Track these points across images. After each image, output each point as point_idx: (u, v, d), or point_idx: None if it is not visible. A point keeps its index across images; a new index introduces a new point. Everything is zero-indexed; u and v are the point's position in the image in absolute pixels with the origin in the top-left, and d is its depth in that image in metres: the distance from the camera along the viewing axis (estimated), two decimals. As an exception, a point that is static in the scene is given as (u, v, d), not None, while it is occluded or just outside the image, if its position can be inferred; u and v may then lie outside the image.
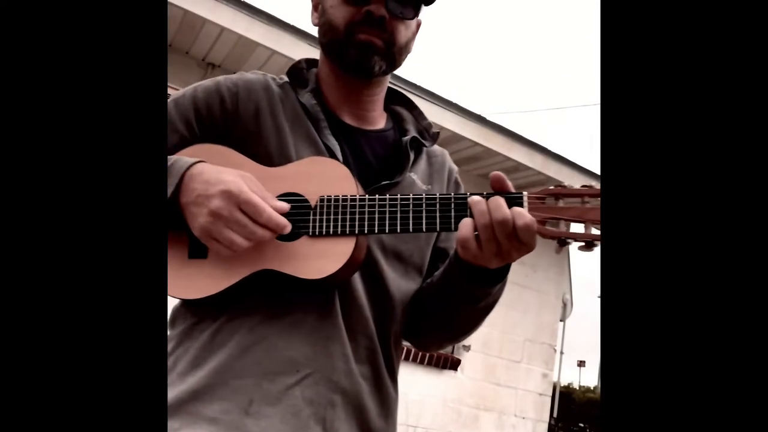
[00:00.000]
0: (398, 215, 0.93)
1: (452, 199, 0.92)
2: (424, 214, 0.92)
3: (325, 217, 0.94)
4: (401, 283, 1.05)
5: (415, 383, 5.12)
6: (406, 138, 1.12)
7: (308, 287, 0.94)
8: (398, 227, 0.93)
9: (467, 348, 5.57)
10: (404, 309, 1.07)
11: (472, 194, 0.90)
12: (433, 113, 4.54)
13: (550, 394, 6.33)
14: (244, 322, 0.95)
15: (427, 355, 5.20)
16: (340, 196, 0.94)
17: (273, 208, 0.91)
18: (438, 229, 0.92)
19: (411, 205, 0.93)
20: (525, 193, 0.89)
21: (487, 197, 0.88)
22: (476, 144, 5.18)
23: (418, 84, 4.99)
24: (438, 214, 0.92)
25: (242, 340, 0.93)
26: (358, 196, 0.94)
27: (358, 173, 1.02)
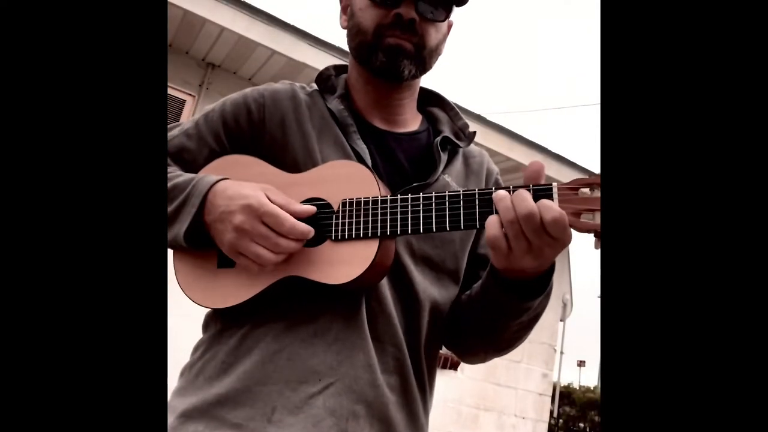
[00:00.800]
0: (421, 215, 0.89)
1: (476, 195, 0.86)
2: (447, 212, 0.87)
3: (347, 220, 0.92)
4: (433, 291, 1.02)
5: (415, 383, 5.11)
6: (437, 138, 1.09)
7: (334, 293, 0.92)
8: (421, 227, 0.89)
9: (467, 348, 5.56)
10: (438, 317, 1.03)
11: (497, 188, 0.84)
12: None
13: (550, 394, 6.33)
14: (270, 329, 0.94)
15: (427, 355, 5.20)
16: (362, 198, 0.92)
17: (297, 212, 0.90)
18: (462, 227, 0.87)
19: (434, 204, 0.88)
20: (555, 184, 0.83)
21: (512, 191, 0.83)
22: (476, 144, 5.18)
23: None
24: (462, 211, 0.86)
25: (267, 347, 0.93)
26: (379, 198, 0.91)
27: (390, 176, 1.00)
